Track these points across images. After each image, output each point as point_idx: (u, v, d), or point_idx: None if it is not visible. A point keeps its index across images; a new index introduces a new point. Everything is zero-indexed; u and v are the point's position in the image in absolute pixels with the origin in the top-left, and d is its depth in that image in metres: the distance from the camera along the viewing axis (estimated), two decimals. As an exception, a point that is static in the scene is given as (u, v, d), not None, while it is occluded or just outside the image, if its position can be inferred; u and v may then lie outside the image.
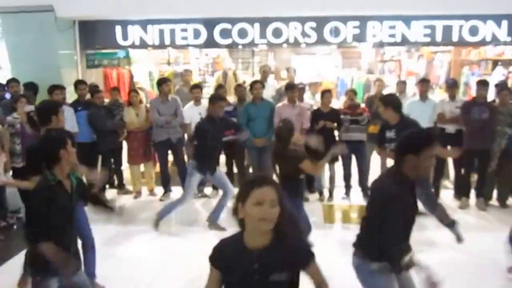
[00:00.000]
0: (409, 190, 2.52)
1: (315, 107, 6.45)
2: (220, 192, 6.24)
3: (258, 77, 7.71)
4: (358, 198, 6.29)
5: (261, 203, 1.72)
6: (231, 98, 6.99)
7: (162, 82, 6.52)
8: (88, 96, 6.55)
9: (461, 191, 6.09)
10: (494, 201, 6.03)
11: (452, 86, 6.20)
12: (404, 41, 6.93)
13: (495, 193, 6.08)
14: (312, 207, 5.96)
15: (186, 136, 6.58)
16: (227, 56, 9.85)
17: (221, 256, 1.88)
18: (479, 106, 5.73)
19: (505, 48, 7.65)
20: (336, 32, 6.91)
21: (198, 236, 5.17)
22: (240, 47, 7.60)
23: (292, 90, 6.11)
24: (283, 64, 10.34)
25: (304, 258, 1.87)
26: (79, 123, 6.15)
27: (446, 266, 3.92)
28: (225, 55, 9.83)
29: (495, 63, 7.93)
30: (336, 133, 6.21)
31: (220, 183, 5.46)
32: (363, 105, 6.43)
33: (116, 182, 6.93)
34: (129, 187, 6.83)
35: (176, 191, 6.69)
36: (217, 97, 5.39)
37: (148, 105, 6.70)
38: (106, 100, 6.85)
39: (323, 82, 10.25)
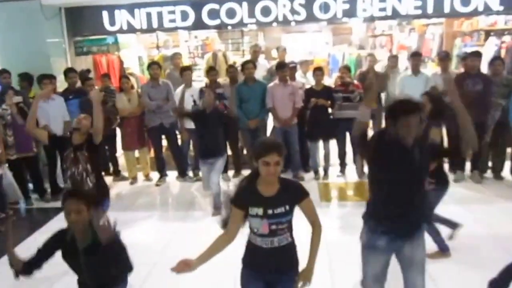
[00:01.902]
0: (399, 148, 2.50)
1: (307, 86, 6.41)
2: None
3: (248, 57, 7.64)
4: (353, 176, 6.31)
5: (268, 164, 2.30)
6: (222, 80, 6.94)
7: (150, 66, 6.49)
8: (79, 84, 6.48)
9: (456, 165, 6.11)
10: (489, 174, 6.06)
11: (444, 58, 6.15)
12: (395, 15, 6.84)
13: (490, 166, 6.10)
14: (308, 186, 5.85)
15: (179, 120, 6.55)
16: (217, 38, 9.74)
17: (241, 199, 2.43)
18: (472, 78, 5.70)
19: (497, 18, 7.58)
20: (325, 8, 6.80)
21: (196, 220, 5.21)
22: (229, 27, 7.50)
23: (283, 69, 6.06)
24: (274, 44, 10.23)
25: (299, 194, 2.43)
26: (72, 112, 6.12)
27: (445, 238, 3.97)
28: (214, 37, 9.72)
29: (487, 33, 7.87)
30: (329, 111, 6.19)
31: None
32: (356, 82, 6.38)
33: (111, 169, 6.92)
34: (125, 174, 6.82)
35: (172, 175, 6.73)
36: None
37: (140, 90, 6.64)
38: (97, 87, 6.79)
39: (314, 60, 10.21)
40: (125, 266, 2.80)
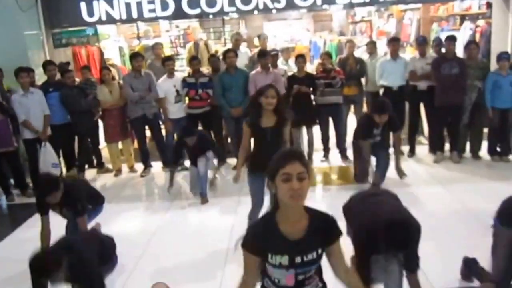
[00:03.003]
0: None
1: (289, 73, 6.46)
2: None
3: (230, 46, 7.63)
4: (336, 160, 6.42)
5: (289, 178, 1.69)
6: (205, 69, 6.94)
7: (133, 57, 6.43)
8: (58, 76, 6.41)
9: (435, 146, 6.27)
10: (467, 154, 6.24)
11: (422, 43, 6.27)
12: (373, 1, 6.94)
13: (468, 146, 6.27)
14: None
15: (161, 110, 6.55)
16: (198, 27, 9.69)
17: (256, 245, 1.80)
18: (449, 61, 5.82)
19: (472, 3, 7.73)
20: (305, -5, 6.85)
21: (182, 210, 5.23)
22: (211, 16, 7.48)
23: (265, 57, 6.08)
24: (255, 32, 10.23)
25: (334, 232, 1.85)
26: (52, 105, 6.08)
27: (427, 217, 4.08)
28: (195, 26, 9.67)
29: (463, 18, 8.03)
30: (312, 97, 6.26)
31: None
32: (337, 68, 6.46)
33: (95, 162, 6.89)
34: (109, 166, 6.80)
35: (156, 166, 6.72)
36: None
37: (122, 82, 6.59)
38: (77, 80, 6.73)
39: (296, 47, 10.26)
40: None
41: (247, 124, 3.73)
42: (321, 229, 1.80)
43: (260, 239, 1.78)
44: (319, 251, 1.81)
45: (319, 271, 1.92)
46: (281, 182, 1.70)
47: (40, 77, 6.53)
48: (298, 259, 1.78)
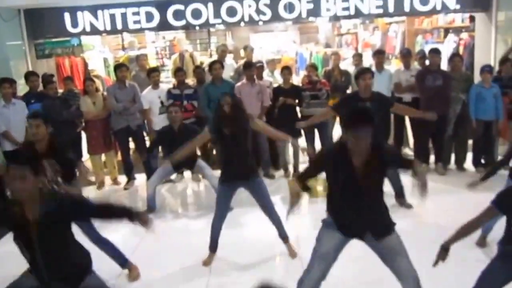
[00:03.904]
0: (345, 158, 2.56)
1: (274, 84, 6.46)
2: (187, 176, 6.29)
3: (216, 57, 7.62)
4: (322, 172, 6.38)
5: (356, 138, 2.41)
6: (190, 81, 6.90)
7: (117, 67, 6.39)
8: (41, 87, 6.32)
9: (420, 157, 6.27)
10: (452, 165, 6.26)
11: (406, 55, 6.32)
12: (358, 14, 6.98)
13: (453, 158, 6.29)
14: (278, 184, 6.03)
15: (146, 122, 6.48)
16: (184, 38, 9.67)
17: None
18: (433, 73, 5.87)
19: (455, 16, 7.84)
20: (290, 8, 6.87)
21: (166, 222, 5.16)
22: (197, 27, 7.46)
23: (250, 69, 6.09)
24: (242, 43, 10.20)
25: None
26: (34, 116, 5.96)
27: (411, 228, 4.09)
28: (181, 37, 9.65)
29: (446, 31, 8.13)
30: (297, 109, 6.25)
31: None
32: (322, 80, 6.47)
33: (77, 174, 6.75)
34: (92, 178, 6.68)
35: (140, 178, 6.62)
36: None
37: (105, 93, 6.53)
38: (60, 91, 6.64)
39: (282, 58, 10.29)
40: (82, 251, 2.63)
41: (208, 129, 3.93)
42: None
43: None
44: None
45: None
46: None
47: (23, 87, 6.42)
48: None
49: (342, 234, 2.71)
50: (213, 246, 4.03)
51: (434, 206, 4.97)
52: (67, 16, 7.09)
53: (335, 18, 7.32)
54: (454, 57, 6.17)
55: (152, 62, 8.93)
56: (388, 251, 2.70)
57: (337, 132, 6.59)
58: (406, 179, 5.03)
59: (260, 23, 7.18)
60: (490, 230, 3.92)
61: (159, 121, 6.28)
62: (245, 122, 3.82)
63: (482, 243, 4.03)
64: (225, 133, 3.77)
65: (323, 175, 2.69)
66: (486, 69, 5.82)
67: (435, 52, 6.01)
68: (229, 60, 7.64)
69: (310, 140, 6.31)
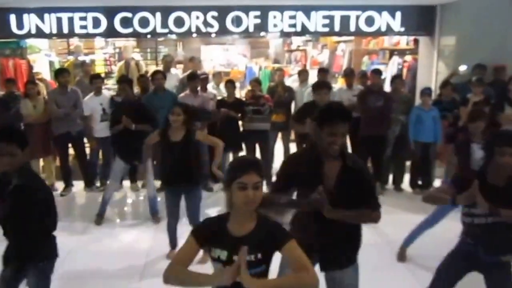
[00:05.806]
0: (315, 162, 2.40)
1: (219, 97, 6.37)
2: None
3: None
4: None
5: (245, 187, 1.80)
6: (135, 89, 6.70)
7: (58, 72, 6.24)
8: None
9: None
10: (389, 186, 6.34)
11: (349, 75, 6.40)
12: (304, 31, 7.01)
13: (390, 178, 6.38)
14: (217, 196, 5.94)
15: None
16: (130, 46, 9.43)
17: (203, 233, 1.91)
18: (375, 94, 5.95)
19: (401, 38, 8.04)
20: (238, 21, 6.82)
21: (101, 231, 5.05)
22: (149, 36, 7.29)
23: (194, 80, 6.02)
24: (193, 54, 10.09)
25: (279, 237, 1.84)
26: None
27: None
28: (127, 45, 9.40)
29: (392, 52, 8.34)
30: (240, 123, 6.18)
31: None
32: (266, 95, 6.43)
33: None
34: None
35: (78, 185, 6.45)
36: None
37: (47, 97, 6.33)
38: (1, 93, 6.37)
39: (231, 71, 10.23)
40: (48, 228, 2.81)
41: (158, 132, 4.17)
42: (268, 232, 1.84)
43: (208, 230, 1.91)
44: (259, 255, 1.81)
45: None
46: (237, 189, 1.81)
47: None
48: (236, 258, 1.75)
49: None
50: (173, 243, 4.29)
51: (368, 226, 4.95)
52: (12, 17, 6.81)
53: (283, 34, 7.34)
54: (396, 79, 6.29)
55: (100, 69, 8.71)
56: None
57: (278, 147, 6.57)
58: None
59: (213, 35, 7.10)
60: (411, 242, 3.99)
61: (100, 129, 6.13)
62: (193, 131, 4.12)
63: (402, 256, 4.18)
64: (172, 140, 4.02)
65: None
66: (426, 92, 5.96)
67: (376, 72, 6.11)
68: (174, 70, 7.53)
69: (250, 154, 6.23)
